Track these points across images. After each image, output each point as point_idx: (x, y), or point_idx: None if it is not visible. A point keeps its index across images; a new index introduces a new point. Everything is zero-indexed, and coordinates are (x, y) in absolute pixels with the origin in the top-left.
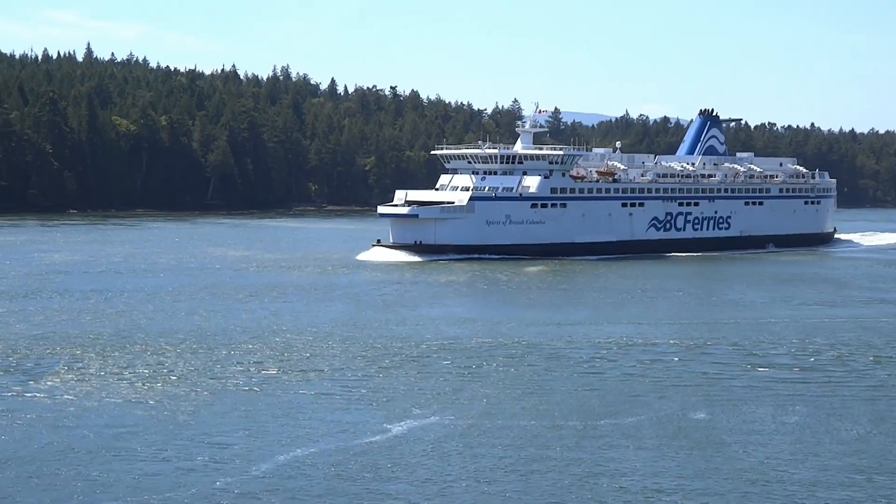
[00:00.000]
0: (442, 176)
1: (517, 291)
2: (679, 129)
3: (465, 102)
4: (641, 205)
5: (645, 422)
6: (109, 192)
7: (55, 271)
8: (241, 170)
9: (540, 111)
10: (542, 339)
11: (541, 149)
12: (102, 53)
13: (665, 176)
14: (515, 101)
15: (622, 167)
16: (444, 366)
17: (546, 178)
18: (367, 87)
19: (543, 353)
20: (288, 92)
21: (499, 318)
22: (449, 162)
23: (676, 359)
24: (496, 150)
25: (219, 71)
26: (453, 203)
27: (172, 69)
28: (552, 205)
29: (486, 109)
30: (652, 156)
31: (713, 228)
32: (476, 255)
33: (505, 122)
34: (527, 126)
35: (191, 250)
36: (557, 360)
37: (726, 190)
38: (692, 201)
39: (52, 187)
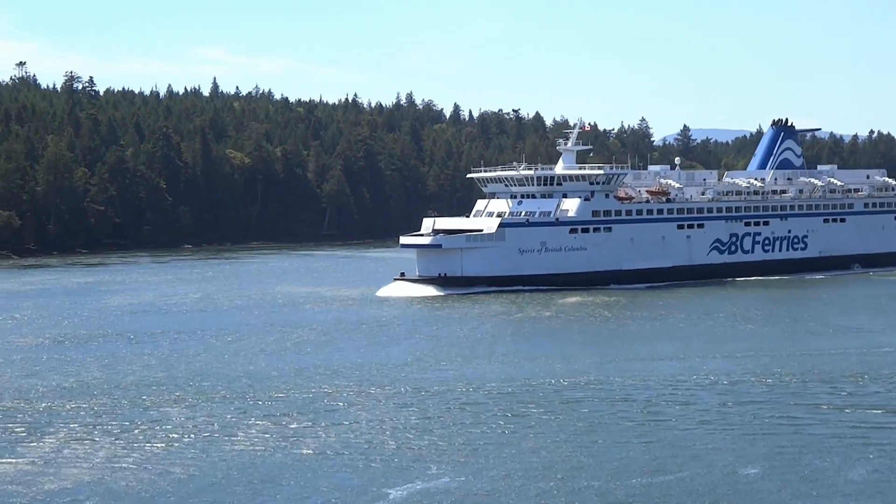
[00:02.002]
0: (478, 201)
1: (552, 327)
2: (816, 141)
3: (591, 123)
4: (701, 226)
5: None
6: (224, 225)
7: (119, 313)
8: (358, 199)
9: (584, 128)
10: (598, 379)
11: (582, 168)
12: (245, 88)
13: (728, 193)
14: (643, 119)
15: (677, 185)
16: (492, 413)
17: (587, 200)
18: (491, 111)
19: (601, 395)
20: (406, 119)
21: (532, 357)
22: (486, 186)
23: (758, 401)
24: (532, 172)
25: (340, 101)
26: (481, 230)
27: (293, 100)
28: (594, 229)
29: (612, 129)
30: (714, 172)
31: (787, 249)
32: (508, 288)
33: (631, 142)
34: (569, 144)
35: (265, 286)
36: (616, 403)
37: (801, 206)
38: (761, 220)
39: (167, 223)
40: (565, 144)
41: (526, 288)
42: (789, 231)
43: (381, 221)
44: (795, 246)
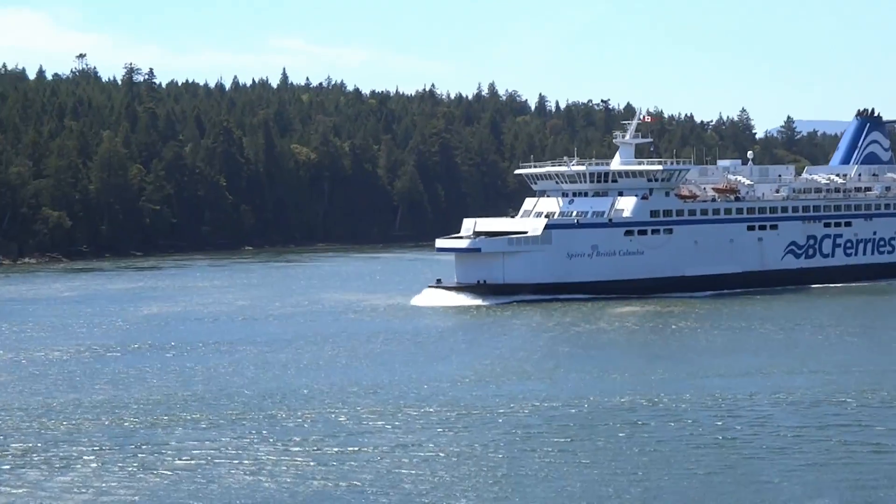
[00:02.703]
0: (526, 200)
1: (611, 340)
2: None
3: (686, 114)
4: (774, 227)
5: None
6: (288, 226)
7: (154, 322)
8: (432, 197)
9: (645, 117)
10: (667, 398)
11: (641, 163)
12: (316, 79)
13: (805, 191)
14: (743, 110)
15: (748, 182)
16: (544, 439)
17: (644, 198)
18: (579, 103)
19: (668, 416)
20: (486, 111)
21: (591, 374)
22: (536, 183)
23: (842, 424)
24: (584, 168)
25: (416, 93)
26: (526, 233)
27: (366, 92)
28: (653, 231)
29: (710, 122)
30: (790, 167)
31: (871, 253)
32: (555, 296)
33: (730, 135)
34: (626, 136)
35: (313, 293)
36: (685, 426)
37: (888, 206)
38: (842, 220)
39: (227, 223)
40: (622, 136)
41: (575, 297)
42: (874, 233)
43: (457, 221)
44: (881, 249)
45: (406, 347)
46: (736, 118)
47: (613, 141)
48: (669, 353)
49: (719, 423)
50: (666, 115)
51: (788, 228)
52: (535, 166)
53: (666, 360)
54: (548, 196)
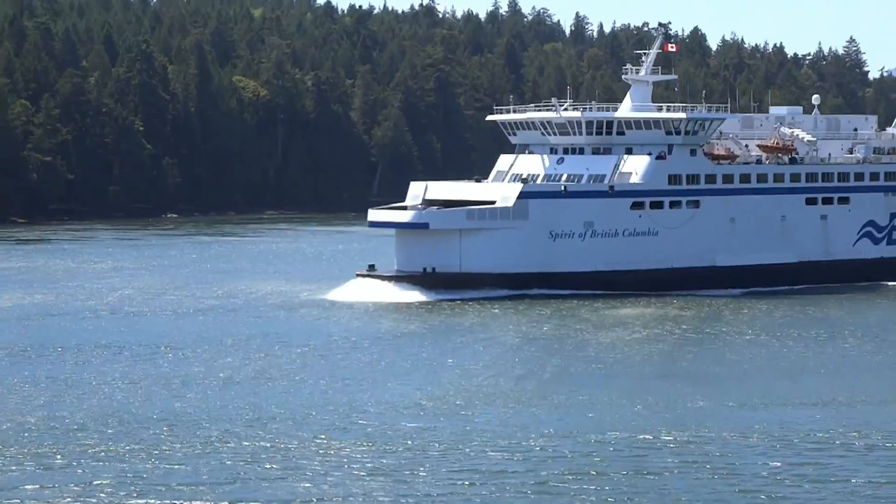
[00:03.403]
0: (501, 158)
1: (616, 356)
2: None
3: (774, 45)
4: (845, 200)
5: None
6: (228, 186)
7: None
8: (424, 150)
9: (667, 46)
10: (692, 436)
11: (661, 109)
12: None
13: (891, 151)
14: (852, 41)
15: (809, 138)
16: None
17: (660, 158)
18: (630, 27)
19: (696, 462)
20: (502, 36)
21: (586, 401)
22: (514, 133)
23: None
24: (579, 114)
25: (407, 10)
26: (493, 203)
27: (341, 6)
28: (673, 203)
29: (806, 55)
30: (871, 118)
31: None
32: (532, 291)
33: (832, 74)
34: (640, 72)
35: (235, 280)
36: (718, 478)
37: None
38: None
39: (144, 182)
40: (634, 71)
41: (561, 292)
42: None
43: (457, 179)
44: None
45: (309, 361)
46: (841, 51)
47: (623, 78)
48: (703, 374)
49: (770, 472)
50: (747, 45)
51: (865, 203)
52: (513, 110)
53: (700, 382)
54: (530, 153)
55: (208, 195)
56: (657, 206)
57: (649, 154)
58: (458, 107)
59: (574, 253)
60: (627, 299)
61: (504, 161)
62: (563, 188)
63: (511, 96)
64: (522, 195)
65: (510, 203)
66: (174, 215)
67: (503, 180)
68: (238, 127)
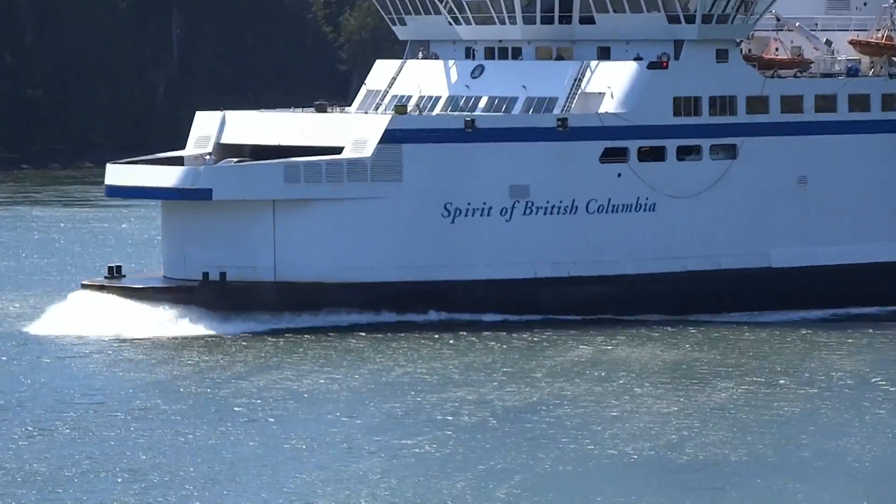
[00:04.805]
0: (376, 66)
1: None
2: None
3: None
4: None
5: None
6: (80, 119)
7: None
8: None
9: None
10: None
11: None
12: None
13: None
14: None
15: None
16: None
17: (658, 66)
18: None
19: None
20: None
21: None
22: (403, 20)
23: None
24: None
25: None
26: (339, 152)
27: None
28: (683, 151)
29: None
30: None
31: None
32: (409, 318)
33: None
34: None
35: None
36: None
37: None
38: None
39: None
40: None
41: (469, 318)
42: None
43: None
44: None
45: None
46: None
47: None
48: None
49: None
50: None
51: None
52: None
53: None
54: (427, 56)
55: (49, 134)
56: (653, 156)
57: (637, 59)
58: None
59: (493, 246)
60: (598, 332)
61: (381, 72)
62: (468, 123)
63: None
64: (391, 136)
65: (367, 152)
66: None
67: (373, 108)
68: (100, 17)
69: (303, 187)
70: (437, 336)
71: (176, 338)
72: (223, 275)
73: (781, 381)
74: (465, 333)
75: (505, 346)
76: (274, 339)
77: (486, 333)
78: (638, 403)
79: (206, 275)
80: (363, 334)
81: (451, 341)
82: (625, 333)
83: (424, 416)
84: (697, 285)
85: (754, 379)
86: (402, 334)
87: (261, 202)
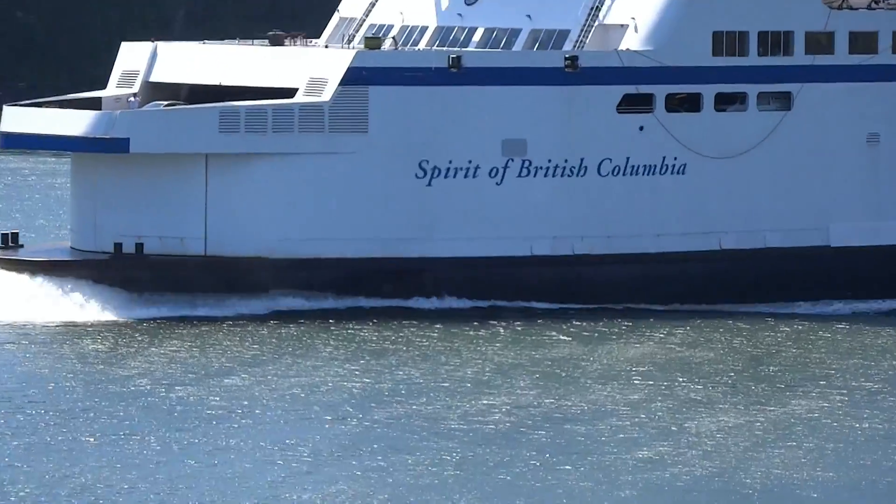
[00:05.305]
0: None
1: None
2: None
3: None
4: None
5: None
6: None
7: None
8: None
9: None
10: None
11: None
12: None
13: None
14: None
15: None
16: None
17: None
18: None
19: None
20: None
21: None
22: None
23: None
24: None
25: None
26: (292, 95)
27: None
28: (723, 100)
29: None
30: None
31: None
32: (377, 303)
33: None
34: None
35: None
36: None
37: None
38: None
39: None
40: None
41: (439, 304)
42: None
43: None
44: None
45: None
46: None
47: None
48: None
49: None
50: None
51: None
52: None
53: None
54: None
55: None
56: (686, 105)
57: None
58: None
59: (480, 216)
60: (620, 322)
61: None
62: (453, 61)
63: None
64: (356, 76)
65: (325, 95)
66: None
67: (345, 41)
68: None
69: (243, 138)
70: (414, 326)
71: (79, 324)
72: (140, 246)
73: (875, 388)
74: (451, 323)
75: (516, 340)
76: (202, 329)
77: (474, 322)
78: (693, 413)
79: (118, 246)
80: (317, 322)
81: (437, 333)
82: (662, 327)
83: (407, 431)
84: (738, 268)
85: (842, 386)
86: (365, 323)
87: (190, 156)
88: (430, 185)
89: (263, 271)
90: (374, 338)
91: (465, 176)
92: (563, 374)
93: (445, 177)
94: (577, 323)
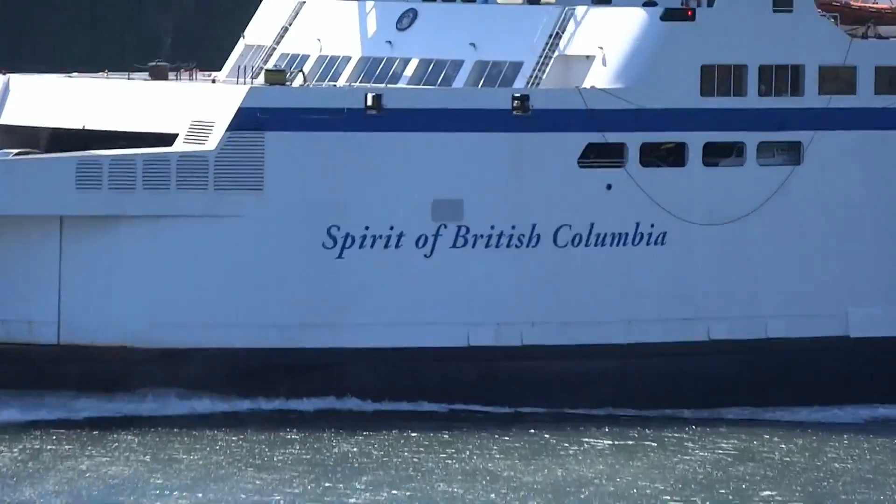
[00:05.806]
0: (261, 7)
1: None
2: None
3: None
4: None
5: None
6: None
7: None
8: None
9: None
10: None
11: None
12: None
13: None
14: None
15: None
16: None
17: (675, 18)
18: None
19: None
20: None
21: None
22: None
23: None
24: None
25: None
26: (171, 143)
27: None
28: (714, 152)
29: None
30: None
31: None
32: (266, 406)
33: None
34: None
35: None
36: None
37: None
38: None
39: None
40: None
41: (354, 405)
42: None
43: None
44: None
45: None
46: None
47: None
48: None
49: None
50: None
51: None
52: None
53: None
54: None
55: None
56: (667, 159)
57: (649, 4)
58: None
59: (402, 296)
60: (585, 433)
61: (267, 19)
62: (372, 100)
63: None
64: (249, 119)
65: (210, 143)
66: None
67: (248, 76)
68: None
69: (106, 197)
70: (323, 435)
71: None
72: None
73: None
74: (383, 434)
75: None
76: (49, 436)
77: (393, 431)
78: None
79: None
80: (195, 433)
81: (356, 448)
82: (639, 439)
83: None
84: (731, 364)
85: None
86: (244, 430)
87: (40, 219)
88: (340, 256)
89: (128, 364)
90: (257, 451)
91: (386, 246)
92: None
93: (361, 247)
94: (529, 433)
